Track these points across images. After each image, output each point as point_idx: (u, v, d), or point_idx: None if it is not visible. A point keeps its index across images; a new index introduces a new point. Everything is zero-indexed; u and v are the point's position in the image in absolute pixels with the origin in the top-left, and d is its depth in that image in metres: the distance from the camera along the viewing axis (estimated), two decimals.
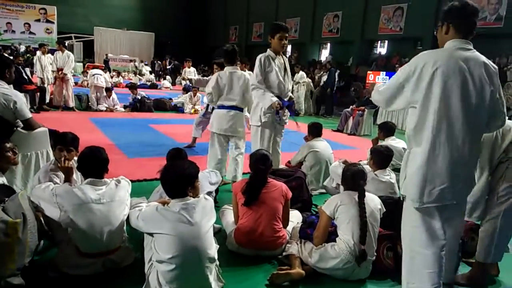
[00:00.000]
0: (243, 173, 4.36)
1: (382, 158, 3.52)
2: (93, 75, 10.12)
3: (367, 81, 12.91)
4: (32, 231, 2.20)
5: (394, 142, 4.88)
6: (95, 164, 2.47)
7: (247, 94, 4.23)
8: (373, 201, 2.69)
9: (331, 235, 2.67)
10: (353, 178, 2.72)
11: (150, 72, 21.24)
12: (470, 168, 2.14)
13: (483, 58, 2.07)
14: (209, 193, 3.14)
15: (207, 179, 3.25)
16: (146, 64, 23.25)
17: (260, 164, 2.88)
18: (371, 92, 2.48)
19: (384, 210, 2.75)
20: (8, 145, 2.73)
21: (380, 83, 2.59)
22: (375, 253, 2.64)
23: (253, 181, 2.85)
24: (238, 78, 4.21)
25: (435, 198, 2.06)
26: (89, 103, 9.92)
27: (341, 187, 3.01)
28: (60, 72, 9.15)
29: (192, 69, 12.45)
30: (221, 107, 4.26)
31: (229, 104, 4.22)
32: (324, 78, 12.60)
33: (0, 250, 2.05)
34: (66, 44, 9.66)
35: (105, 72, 17.90)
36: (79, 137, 3.00)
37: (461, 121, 2.00)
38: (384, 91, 2.23)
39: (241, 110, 4.28)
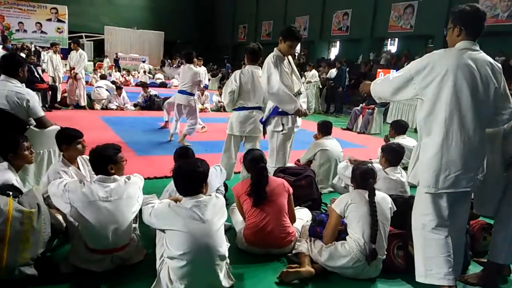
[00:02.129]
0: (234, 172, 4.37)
1: (394, 155, 3.49)
2: (96, 87, 10.13)
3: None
4: (45, 222, 2.25)
5: (404, 141, 4.86)
6: (99, 160, 2.50)
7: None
8: (384, 200, 2.68)
9: (341, 234, 2.67)
10: (363, 177, 2.71)
11: (145, 72, 19.86)
12: (480, 157, 2.28)
13: (489, 58, 2.27)
14: (217, 190, 3.15)
15: (216, 175, 3.25)
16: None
17: (261, 162, 2.89)
18: (368, 87, 2.63)
19: (395, 209, 2.74)
20: (26, 144, 2.76)
21: (369, 82, 2.69)
22: (386, 252, 2.63)
23: (257, 180, 2.83)
24: (259, 78, 4.03)
25: (450, 184, 2.20)
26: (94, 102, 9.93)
27: (351, 187, 2.99)
28: (72, 71, 9.24)
29: (203, 68, 12.45)
30: (243, 108, 4.11)
31: (252, 105, 4.10)
32: (331, 75, 12.53)
33: (15, 238, 2.10)
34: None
35: (115, 71, 18.01)
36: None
37: (471, 113, 2.18)
38: (394, 80, 2.39)
39: (260, 108, 4.15)
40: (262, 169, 2.85)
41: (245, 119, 4.10)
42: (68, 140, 2.93)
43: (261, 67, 3.92)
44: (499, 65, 2.31)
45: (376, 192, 2.66)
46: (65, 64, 10.03)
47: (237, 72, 4.13)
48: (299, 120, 3.95)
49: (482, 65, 2.21)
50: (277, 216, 2.76)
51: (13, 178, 2.59)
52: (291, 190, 2.92)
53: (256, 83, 4.06)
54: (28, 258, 2.15)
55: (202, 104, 10.68)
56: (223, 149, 4.31)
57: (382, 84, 2.52)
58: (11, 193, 2.31)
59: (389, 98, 2.50)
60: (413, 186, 2.47)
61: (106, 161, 2.49)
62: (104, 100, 9.93)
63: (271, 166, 3.80)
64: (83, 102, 9.53)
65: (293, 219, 2.92)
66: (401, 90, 2.36)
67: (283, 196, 2.83)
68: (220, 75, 20.33)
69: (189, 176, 2.31)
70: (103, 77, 12.00)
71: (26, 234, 2.14)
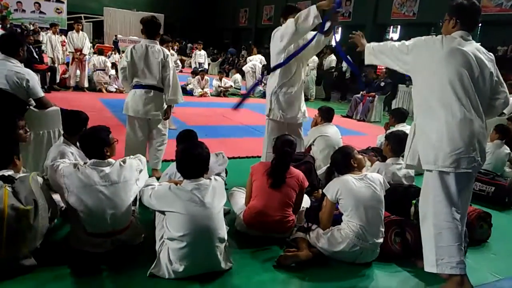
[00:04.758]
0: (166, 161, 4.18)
1: (399, 143, 3.39)
2: (95, 70, 9.97)
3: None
4: (43, 215, 2.20)
5: (404, 129, 4.85)
6: (94, 144, 2.41)
7: (165, 73, 3.76)
8: (375, 183, 2.65)
9: (337, 217, 2.68)
10: (344, 160, 2.73)
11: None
12: (482, 140, 2.28)
13: (482, 47, 2.39)
14: (218, 175, 3.15)
15: (217, 160, 3.25)
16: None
17: (287, 147, 2.88)
18: (363, 43, 2.84)
19: (388, 186, 2.74)
20: (21, 122, 2.75)
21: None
22: (383, 237, 2.64)
23: (278, 163, 2.84)
24: (155, 53, 3.72)
25: (451, 163, 2.20)
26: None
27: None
28: (79, 53, 9.15)
29: (203, 52, 12.34)
30: (138, 86, 3.80)
31: (148, 82, 3.76)
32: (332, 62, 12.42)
33: (12, 236, 2.05)
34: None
35: (114, 54, 17.80)
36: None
37: (469, 93, 2.24)
38: (393, 47, 2.53)
39: (160, 90, 3.82)
40: (285, 153, 2.85)
41: (140, 98, 3.78)
42: (85, 125, 2.90)
43: (158, 43, 3.84)
44: (491, 54, 2.43)
45: (368, 174, 2.67)
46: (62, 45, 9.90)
47: (129, 47, 3.81)
48: (302, 112, 3.90)
49: (475, 51, 2.31)
50: (281, 203, 2.75)
51: None
52: (305, 184, 2.90)
53: (151, 60, 3.71)
54: (27, 251, 2.14)
55: (202, 89, 10.63)
56: (127, 131, 3.99)
57: (379, 47, 2.66)
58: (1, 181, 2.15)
59: (379, 59, 2.67)
60: (418, 174, 2.48)
61: (102, 144, 2.41)
62: (105, 84, 9.86)
63: (263, 152, 3.95)
64: (86, 84, 9.47)
65: (296, 211, 2.90)
66: (394, 57, 2.52)
67: (294, 187, 2.81)
68: (220, 59, 20.16)
69: (195, 158, 2.31)
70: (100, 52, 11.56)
71: (24, 232, 2.09)
